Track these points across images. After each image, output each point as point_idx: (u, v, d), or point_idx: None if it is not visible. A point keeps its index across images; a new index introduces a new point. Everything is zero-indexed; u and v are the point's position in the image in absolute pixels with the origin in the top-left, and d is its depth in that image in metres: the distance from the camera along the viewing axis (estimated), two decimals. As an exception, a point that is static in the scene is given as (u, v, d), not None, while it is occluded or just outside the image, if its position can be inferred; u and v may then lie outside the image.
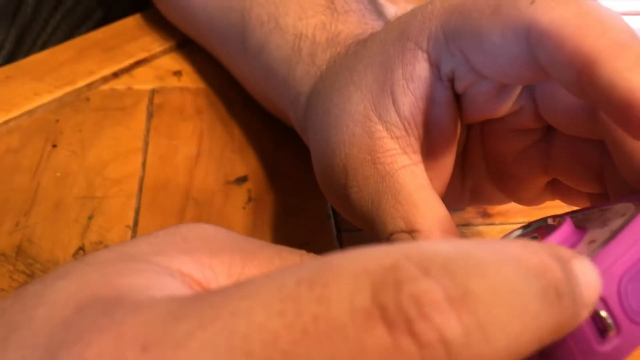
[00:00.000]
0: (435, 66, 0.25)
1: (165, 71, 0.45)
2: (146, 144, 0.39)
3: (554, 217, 0.19)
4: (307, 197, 0.36)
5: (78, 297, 0.15)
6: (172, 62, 0.46)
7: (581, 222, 0.19)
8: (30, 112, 0.40)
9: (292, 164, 0.38)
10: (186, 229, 0.19)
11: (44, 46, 0.56)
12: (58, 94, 0.41)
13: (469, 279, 0.13)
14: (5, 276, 0.30)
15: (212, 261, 0.18)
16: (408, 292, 0.13)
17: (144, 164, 0.37)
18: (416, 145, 0.25)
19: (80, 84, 0.42)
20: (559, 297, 0.14)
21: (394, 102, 0.25)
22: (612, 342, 0.15)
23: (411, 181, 0.24)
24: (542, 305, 0.14)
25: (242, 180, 0.37)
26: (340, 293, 0.13)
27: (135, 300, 0.15)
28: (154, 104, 0.42)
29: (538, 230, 0.19)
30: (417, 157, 0.25)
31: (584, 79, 0.19)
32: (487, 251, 0.14)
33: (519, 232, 0.20)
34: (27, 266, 0.31)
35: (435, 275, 0.13)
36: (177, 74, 0.45)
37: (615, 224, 0.17)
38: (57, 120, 0.40)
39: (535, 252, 0.15)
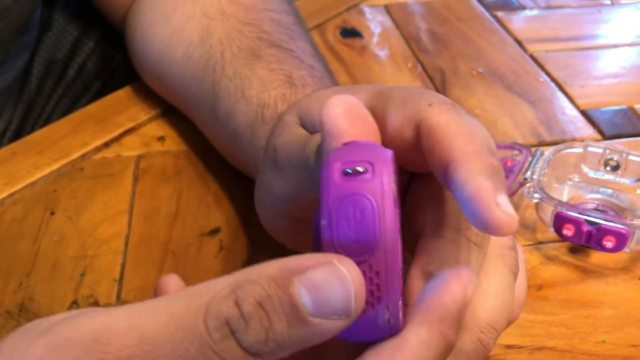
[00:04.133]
0: None
1: (151, 137, 0.51)
2: (132, 205, 0.44)
3: None
4: (273, 245, 0.41)
5: None
6: (157, 128, 0.52)
7: None
8: (32, 184, 0.46)
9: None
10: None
11: (48, 119, 0.63)
12: (56, 166, 0.47)
13: None
14: (10, 332, 0.35)
15: None
16: None
17: (129, 223, 0.43)
18: None
19: (75, 155, 0.48)
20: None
21: None
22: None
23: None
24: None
25: (214, 231, 0.42)
26: None
27: None
28: (140, 168, 0.47)
29: None
30: None
31: (448, 172, 0.24)
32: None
33: None
34: (29, 321, 0.36)
35: None
36: (161, 139, 0.51)
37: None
38: (55, 190, 0.45)
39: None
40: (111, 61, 0.66)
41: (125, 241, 0.41)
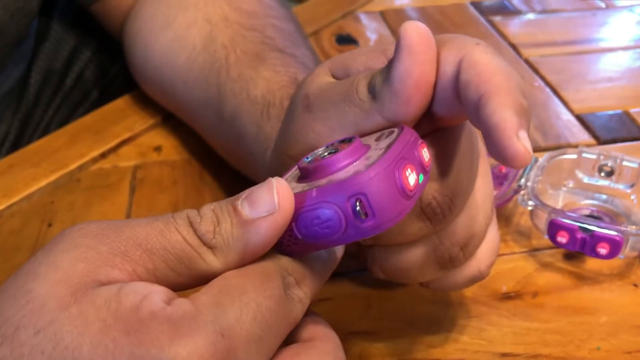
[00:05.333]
0: None
1: (147, 147, 0.51)
2: (129, 216, 0.44)
3: (350, 137, 0.26)
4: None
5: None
6: (154, 138, 0.52)
7: (366, 140, 0.27)
8: (29, 196, 0.46)
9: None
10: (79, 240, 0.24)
11: (46, 129, 0.63)
12: (53, 177, 0.48)
13: None
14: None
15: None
16: None
17: (126, 234, 0.43)
18: None
19: (72, 166, 0.49)
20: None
21: None
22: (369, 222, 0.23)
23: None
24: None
25: (211, 242, 0.42)
26: None
27: None
28: (137, 178, 0.48)
29: (340, 144, 0.26)
30: None
31: (480, 102, 0.26)
32: None
33: (323, 148, 0.26)
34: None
35: None
36: (158, 149, 0.51)
37: (384, 143, 0.25)
38: (52, 202, 0.46)
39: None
40: (109, 70, 0.66)
41: (122, 252, 0.41)
